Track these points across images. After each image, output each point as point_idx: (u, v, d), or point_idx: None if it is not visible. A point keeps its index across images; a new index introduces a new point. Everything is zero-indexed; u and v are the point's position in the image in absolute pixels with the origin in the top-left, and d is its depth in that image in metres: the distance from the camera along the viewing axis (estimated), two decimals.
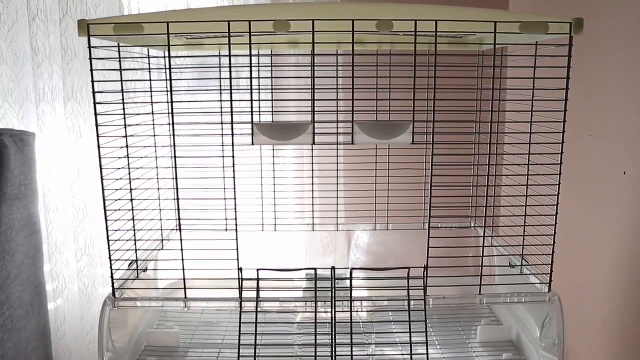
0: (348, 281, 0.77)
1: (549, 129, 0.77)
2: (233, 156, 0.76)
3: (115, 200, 0.81)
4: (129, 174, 0.82)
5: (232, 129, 0.74)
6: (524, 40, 0.82)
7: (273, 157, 1.13)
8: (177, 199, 0.80)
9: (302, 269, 0.78)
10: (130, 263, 0.87)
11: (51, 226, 1.31)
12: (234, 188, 0.77)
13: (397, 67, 1.03)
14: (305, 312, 0.80)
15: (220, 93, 0.99)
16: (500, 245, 0.99)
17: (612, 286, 1.02)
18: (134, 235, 0.84)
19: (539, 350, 0.85)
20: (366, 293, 0.81)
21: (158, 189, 0.99)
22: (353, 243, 1.20)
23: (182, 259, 0.79)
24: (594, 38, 1.02)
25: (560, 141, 0.76)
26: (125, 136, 0.80)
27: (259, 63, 1.05)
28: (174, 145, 0.77)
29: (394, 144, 0.99)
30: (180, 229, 0.84)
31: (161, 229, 1.03)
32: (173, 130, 0.77)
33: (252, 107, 0.75)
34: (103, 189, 0.78)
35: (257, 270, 0.77)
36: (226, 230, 1.05)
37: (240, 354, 0.76)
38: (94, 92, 0.74)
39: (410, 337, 0.76)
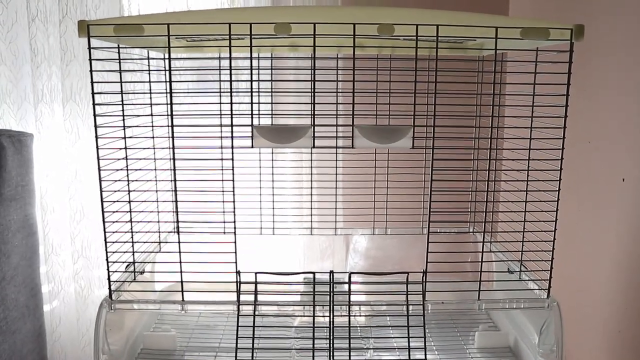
0: (346, 286, 0.77)
1: (548, 135, 0.77)
2: (232, 159, 0.75)
3: (113, 202, 0.80)
4: (127, 176, 0.82)
5: (231, 131, 0.74)
6: (525, 46, 0.82)
7: (272, 160, 1.13)
8: (176, 201, 0.80)
9: (300, 273, 0.78)
10: (128, 265, 0.86)
11: (48, 228, 1.31)
12: (233, 191, 0.77)
13: (398, 72, 1.03)
14: (304, 316, 0.80)
15: (220, 96, 0.99)
16: (499, 251, 0.99)
17: (612, 290, 1.02)
18: (132, 237, 0.84)
19: (537, 356, 0.84)
20: (364, 298, 0.81)
21: (156, 191, 0.98)
22: (351, 247, 1.20)
23: (180, 262, 0.78)
24: (594, 44, 1.02)
25: (561, 147, 0.76)
26: (124, 138, 0.80)
27: (259, 66, 1.05)
28: (173, 148, 0.76)
29: (393, 149, 0.99)
30: (178, 232, 0.84)
31: (159, 232, 1.02)
32: (172, 132, 0.77)
33: (252, 110, 0.74)
34: (101, 191, 0.78)
35: (255, 274, 0.76)
36: (224, 233, 1.05)
37: (238, 358, 0.76)
38: (93, 93, 0.73)
39: (408, 342, 0.76)
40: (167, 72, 0.75)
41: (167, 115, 1.01)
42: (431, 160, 0.75)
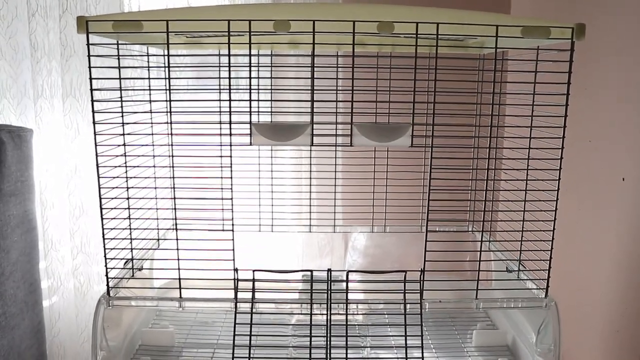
0: (344, 284, 0.77)
1: (548, 134, 0.77)
2: (231, 156, 0.75)
3: (112, 198, 0.80)
4: (126, 172, 0.82)
5: (230, 128, 0.74)
6: (526, 44, 0.82)
7: (271, 157, 1.13)
8: (174, 198, 0.80)
9: (298, 271, 0.78)
10: (126, 262, 0.86)
11: (47, 223, 1.31)
12: (231, 188, 0.77)
13: (398, 70, 1.03)
14: (301, 314, 0.80)
15: (220, 93, 0.99)
16: (498, 250, 0.99)
17: (611, 290, 1.02)
18: (130, 234, 0.84)
19: (534, 355, 0.84)
20: (362, 296, 0.81)
21: (155, 187, 0.98)
22: (350, 245, 1.20)
23: (178, 259, 0.78)
24: (595, 43, 1.02)
25: (560, 146, 0.76)
26: (123, 134, 0.79)
27: (258, 63, 1.05)
28: (172, 145, 0.76)
29: (393, 147, 0.99)
30: (176, 229, 0.84)
31: (157, 228, 1.02)
32: (171, 129, 0.77)
33: (250, 107, 0.74)
34: (99, 187, 0.78)
35: (253, 271, 0.76)
36: (223, 230, 1.05)
37: (235, 355, 0.76)
38: (91, 90, 0.73)
39: (405, 340, 0.76)
40: (166, 69, 0.75)
41: (167, 112, 1.01)
42: (430, 159, 0.75)
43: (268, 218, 1.13)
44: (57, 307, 1.35)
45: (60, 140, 1.30)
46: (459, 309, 0.98)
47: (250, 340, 0.76)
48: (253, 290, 0.77)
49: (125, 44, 0.89)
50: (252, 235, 1.12)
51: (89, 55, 0.72)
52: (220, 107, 0.91)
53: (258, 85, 1.06)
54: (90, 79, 0.73)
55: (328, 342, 0.76)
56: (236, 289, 0.78)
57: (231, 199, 0.77)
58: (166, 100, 0.81)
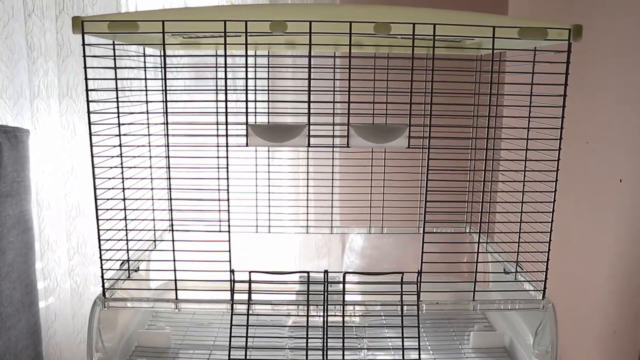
0: (341, 285, 0.76)
1: (546, 135, 0.77)
2: (227, 157, 0.75)
3: (108, 199, 0.80)
4: (122, 173, 0.82)
5: (226, 129, 0.74)
6: (523, 45, 0.82)
7: (268, 158, 1.12)
8: (170, 199, 0.80)
9: (294, 272, 0.78)
10: (122, 263, 0.86)
11: (44, 224, 1.30)
12: (227, 189, 0.76)
13: (395, 71, 1.03)
14: (298, 315, 0.80)
15: (217, 93, 0.98)
16: (495, 252, 0.99)
17: (608, 291, 1.01)
18: (126, 235, 0.83)
19: (532, 357, 0.84)
20: (359, 297, 0.81)
21: (152, 188, 0.98)
22: (347, 246, 1.19)
23: (174, 260, 0.78)
24: (592, 44, 1.02)
25: (558, 148, 0.76)
26: (119, 135, 0.79)
27: (255, 64, 1.05)
28: (168, 145, 0.76)
29: (390, 148, 0.99)
30: (172, 230, 0.83)
31: (154, 229, 1.02)
32: (167, 130, 0.76)
33: (247, 108, 0.74)
34: (95, 188, 0.77)
35: (249, 272, 0.76)
36: (220, 231, 1.05)
37: (231, 356, 0.76)
38: (87, 90, 0.73)
39: (402, 342, 0.76)
40: (163, 69, 0.75)
41: (163, 112, 1.00)
42: (427, 160, 0.75)
43: (265, 219, 1.12)
44: (53, 307, 1.34)
45: (56, 140, 1.29)
46: (456, 310, 0.98)
47: (246, 341, 0.75)
48: (249, 291, 0.77)
49: (122, 44, 0.89)
50: (249, 236, 1.12)
51: (84, 56, 0.72)
52: (217, 107, 0.91)
53: (255, 86, 1.05)
54: (86, 79, 0.73)
55: (325, 344, 0.76)
56: (232, 291, 0.77)
57: (227, 200, 0.77)
58: (162, 101, 0.81)
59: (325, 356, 0.76)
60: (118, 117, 0.79)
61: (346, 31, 0.68)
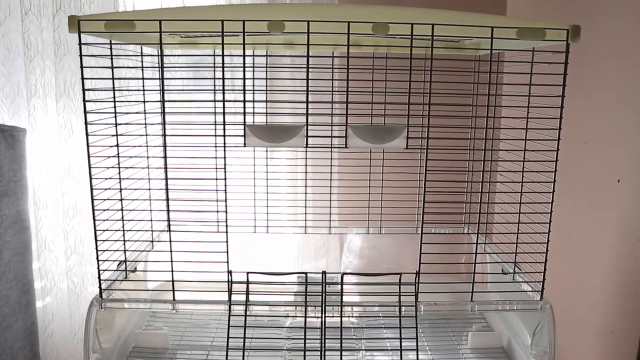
0: (339, 286, 0.76)
1: (544, 136, 0.77)
2: (225, 157, 0.75)
3: (105, 199, 0.79)
4: (119, 172, 0.81)
5: (224, 129, 0.73)
6: (521, 46, 0.81)
7: (267, 158, 1.12)
8: (167, 199, 0.79)
9: (292, 273, 0.77)
10: (119, 263, 0.85)
11: (41, 223, 1.30)
12: (225, 189, 0.76)
13: (394, 71, 1.02)
14: (296, 316, 0.79)
15: (214, 93, 0.98)
16: (493, 252, 0.99)
17: (606, 291, 1.01)
18: (123, 235, 0.83)
19: (530, 357, 0.84)
20: (357, 298, 0.81)
21: (149, 189, 0.98)
22: (346, 246, 1.19)
23: (172, 261, 0.78)
24: (591, 44, 1.02)
25: (556, 148, 0.76)
26: (116, 135, 0.79)
27: (253, 63, 1.04)
28: (165, 146, 0.76)
29: (388, 148, 0.99)
30: (169, 230, 0.83)
31: (151, 230, 1.02)
32: (164, 129, 0.76)
33: (244, 108, 0.74)
34: (92, 188, 0.77)
35: (247, 273, 0.76)
36: (218, 231, 1.04)
37: (229, 357, 0.75)
38: (83, 90, 0.72)
39: (400, 343, 0.76)
40: (160, 69, 0.75)
41: (160, 112, 1.00)
42: (425, 160, 0.74)
43: (263, 219, 1.12)
44: (50, 307, 1.34)
45: (53, 140, 1.29)
46: (454, 311, 0.98)
47: (244, 342, 0.75)
48: (247, 292, 0.77)
49: (119, 43, 0.88)
50: (248, 237, 1.12)
51: (80, 55, 0.71)
52: (215, 107, 0.91)
53: (253, 85, 1.05)
54: (82, 78, 0.72)
55: (322, 345, 0.75)
56: (230, 292, 0.77)
57: (225, 200, 0.77)
58: (160, 101, 0.81)
59: (323, 357, 0.75)
60: (115, 116, 0.78)
61: (344, 31, 0.68)
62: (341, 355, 0.75)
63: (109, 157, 0.79)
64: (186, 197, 0.86)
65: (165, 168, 0.77)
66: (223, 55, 0.71)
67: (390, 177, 1.11)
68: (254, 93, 1.05)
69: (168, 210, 0.81)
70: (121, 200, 0.82)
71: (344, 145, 0.74)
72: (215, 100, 0.88)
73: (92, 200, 0.77)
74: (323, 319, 0.76)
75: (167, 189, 0.78)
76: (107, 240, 0.80)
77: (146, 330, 0.97)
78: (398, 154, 0.97)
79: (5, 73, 1.23)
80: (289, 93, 1.14)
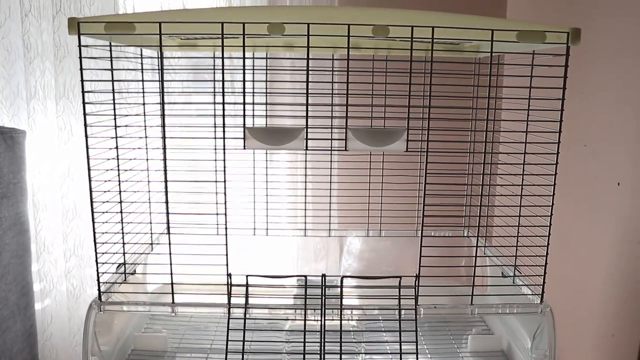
0: (338, 289, 0.76)
1: (544, 139, 0.76)
2: (224, 159, 0.74)
3: (104, 202, 0.79)
4: (119, 175, 0.81)
5: (223, 132, 0.73)
6: (521, 49, 0.81)
7: (266, 160, 1.12)
8: (167, 202, 0.79)
9: (291, 276, 0.77)
10: (119, 266, 0.85)
11: (40, 226, 1.30)
12: (225, 192, 0.76)
13: (394, 73, 1.02)
14: (295, 319, 0.79)
15: (214, 95, 0.98)
16: (493, 256, 0.98)
17: (606, 294, 1.01)
18: (123, 237, 0.83)
19: None
20: (357, 301, 0.80)
21: (149, 191, 0.97)
22: (345, 249, 1.19)
23: (170, 263, 0.78)
24: (592, 46, 1.02)
25: (556, 151, 0.75)
26: (116, 137, 0.79)
27: (253, 66, 1.04)
28: (165, 148, 0.76)
29: (388, 151, 0.98)
30: (169, 232, 0.83)
31: (151, 232, 1.01)
32: (164, 132, 0.76)
33: (244, 110, 0.73)
34: (91, 190, 0.77)
35: (247, 276, 0.76)
36: (217, 234, 1.04)
37: None
38: (83, 92, 0.72)
39: (400, 346, 0.76)
40: (160, 71, 0.74)
41: (160, 114, 1.00)
42: (425, 163, 0.74)
43: (263, 222, 1.12)
44: (49, 310, 1.34)
45: (53, 142, 1.29)
46: (454, 314, 0.98)
47: (243, 345, 0.75)
48: (246, 295, 0.76)
49: (119, 45, 0.88)
50: (247, 239, 1.11)
51: (80, 57, 0.71)
52: (214, 110, 0.91)
53: (253, 88, 1.05)
54: (82, 80, 0.72)
55: (322, 348, 0.75)
56: (229, 295, 0.77)
57: (225, 202, 0.77)
58: (159, 103, 0.81)
59: None
60: (115, 118, 0.78)
61: (344, 34, 0.68)
62: (341, 358, 0.75)
63: (109, 159, 0.79)
64: (186, 199, 0.86)
65: (165, 170, 0.77)
66: (223, 58, 0.71)
67: (390, 179, 1.11)
68: (253, 95, 1.05)
69: (167, 213, 0.81)
70: (120, 202, 0.82)
71: (344, 148, 0.74)
72: (215, 103, 0.88)
73: (92, 202, 0.77)
74: (322, 322, 0.76)
75: (166, 191, 0.78)
76: (106, 242, 0.80)
77: (145, 332, 0.97)
78: (398, 156, 0.97)
79: (5, 75, 1.23)
80: (289, 95, 1.14)
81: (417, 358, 0.76)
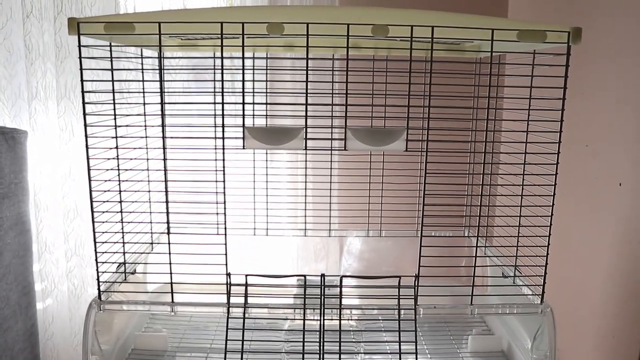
0: (338, 289, 0.76)
1: (545, 139, 0.76)
2: (224, 159, 0.74)
3: (105, 201, 0.79)
4: (119, 175, 0.81)
5: (223, 132, 0.73)
6: (522, 48, 0.81)
7: (266, 160, 1.12)
8: (167, 202, 0.79)
9: (291, 276, 0.77)
10: (119, 265, 0.85)
11: (41, 225, 1.30)
12: (224, 192, 0.76)
13: (394, 73, 1.02)
14: (294, 319, 0.79)
15: (214, 95, 0.98)
16: (494, 256, 0.98)
17: (607, 294, 1.01)
18: (123, 237, 0.83)
19: None
20: (357, 301, 0.80)
21: (149, 191, 0.97)
22: (345, 249, 1.19)
23: (170, 263, 0.78)
24: (593, 45, 1.02)
25: (557, 151, 0.75)
26: (116, 137, 0.79)
27: (253, 66, 1.04)
28: (165, 148, 0.76)
29: (387, 151, 0.98)
30: (169, 232, 0.83)
31: (151, 232, 1.02)
32: (164, 132, 0.76)
33: (243, 110, 0.73)
34: (91, 190, 0.77)
35: (246, 276, 0.76)
36: (217, 234, 1.04)
37: None
38: (83, 92, 0.72)
39: (399, 346, 0.75)
40: (160, 71, 0.75)
41: (160, 114, 1.00)
42: (425, 163, 0.74)
43: (263, 222, 1.12)
44: (50, 309, 1.34)
45: (54, 142, 1.29)
46: (454, 314, 0.98)
47: (242, 345, 0.75)
48: (246, 295, 0.76)
49: (120, 45, 0.88)
50: (247, 239, 1.11)
51: (80, 57, 0.71)
52: (215, 110, 0.91)
53: (253, 88, 1.05)
54: (82, 80, 0.73)
55: (321, 348, 0.75)
56: (228, 294, 0.77)
57: (224, 202, 0.77)
58: (159, 103, 0.81)
59: None
60: (115, 119, 0.78)
61: (344, 33, 0.68)
62: (340, 358, 0.75)
63: (109, 159, 0.79)
64: (186, 199, 0.86)
65: (165, 170, 0.77)
66: (222, 58, 0.71)
67: (391, 179, 1.11)
68: (253, 95, 1.05)
69: (167, 213, 0.81)
70: (120, 202, 0.82)
71: (344, 148, 0.74)
72: (215, 103, 0.89)
73: (92, 202, 0.77)
74: (322, 322, 0.76)
75: (166, 191, 0.78)
76: (106, 242, 0.80)
77: (145, 332, 0.97)
78: (398, 156, 0.97)
79: (6, 75, 1.24)
80: (289, 95, 1.14)
81: (416, 358, 0.76)
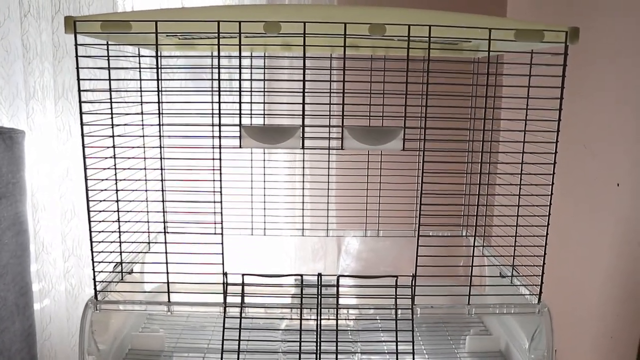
0: (335, 288, 0.76)
1: (543, 138, 0.76)
2: (220, 159, 0.74)
3: (101, 201, 0.79)
4: (116, 174, 0.81)
5: (219, 131, 0.73)
6: (520, 48, 0.81)
7: (264, 160, 1.12)
8: (164, 201, 0.79)
9: (288, 275, 0.77)
10: (115, 265, 0.85)
11: (39, 226, 1.30)
12: (221, 191, 0.76)
13: (391, 73, 1.02)
14: (291, 319, 0.79)
15: (212, 95, 0.98)
16: (491, 255, 0.98)
17: (605, 295, 1.01)
18: (119, 237, 0.83)
19: None
20: (354, 301, 0.80)
21: (146, 190, 0.97)
22: (343, 249, 1.19)
23: (167, 263, 0.77)
24: (591, 45, 1.02)
25: (554, 151, 0.75)
26: (112, 136, 0.79)
27: (251, 65, 1.04)
28: (162, 147, 0.76)
29: (385, 150, 0.98)
30: (165, 232, 0.83)
31: (148, 232, 1.01)
32: (161, 131, 0.76)
33: (240, 109, 0.73)
34: (87, 190, 0.77)
35: (242, 275, 0.75)
36: (215, 233, 1.04)
37: None
38: (79, 91, 0.72)
39: (397, 346, 0.75)
40: (157, 70, 0.74)
41: (158, 113, 1.00)
42: (422, 163, 0.74)
43: (261, 222, 1.12)
44: (48, 310, 1.34)
45: (52, 142, 1.29)
46: (451, 314, 0.97)
47: (239, 345, 0.75)
48: (242, 294, 0.76)
49: (117, 44, 0.88)
50: (245, 239, 1.11)
51: (76, 56, 0.71)
52: (212, 109, 0.91)
53: (251, 87, 1.05)
54: (78, 79, 0.72)
55: (318, 348, 0.75)
56: (225, 294, 0.77)
57: (221, 202, 0.77)
58: (157, 102, 0.80)
59: None
60: (112, 118, 0.78)
61: (341, 32, 0.68)
62: (337, 357, 0.74)
63: (106, 158, 0.79)
64: (183, 198, 0.86)
65: (162, 169, 0.77)
66: (219, 57, 0.71)
67: (388, 179, 1.10)
68: (251, 95, 1.05)
69: (164, 212, 0.81)
70: (117, 201, 0.82)
71: (340, 147, 0.74)
72: (212, 102, 0.88)
73: (88, 201, 0.77)
74: (319, 322, 0.75)
75: (163, 191, 0.78)
76: (103, 241, 0.80)
77: (142, 332, 0.97)
78: (396, 156, 0.97)
79: (4, 75, 1.24)
80: (287, 95, 1.14)
81: (413, 358, 0.76)
